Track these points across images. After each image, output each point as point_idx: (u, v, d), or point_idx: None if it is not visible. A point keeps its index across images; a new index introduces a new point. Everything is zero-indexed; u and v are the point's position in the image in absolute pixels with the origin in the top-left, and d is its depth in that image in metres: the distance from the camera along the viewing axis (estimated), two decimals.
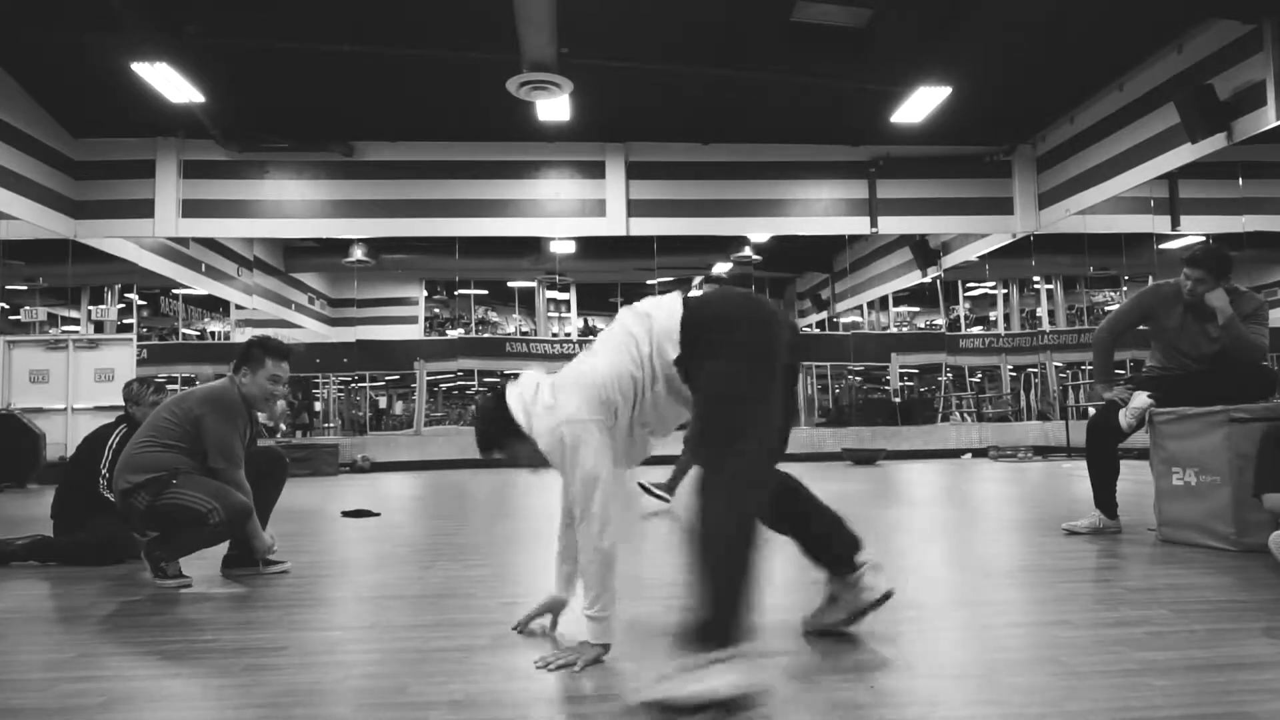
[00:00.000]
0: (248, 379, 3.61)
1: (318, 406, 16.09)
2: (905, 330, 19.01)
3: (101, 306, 15.44)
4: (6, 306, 15.30)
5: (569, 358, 12.68)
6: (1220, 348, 4.07)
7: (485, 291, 19.29)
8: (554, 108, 9.32)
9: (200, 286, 14.50)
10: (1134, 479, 5.26)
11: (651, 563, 3.93)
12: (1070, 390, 15.34)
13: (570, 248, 15.29)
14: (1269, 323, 4.15)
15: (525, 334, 18.84)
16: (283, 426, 11.93)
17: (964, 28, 8.76)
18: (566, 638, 2.47)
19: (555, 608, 2.57)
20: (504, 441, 2.35)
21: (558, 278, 17.82)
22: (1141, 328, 4.41)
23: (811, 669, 2.16)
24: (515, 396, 2.30)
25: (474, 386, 17.96)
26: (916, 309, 19.54)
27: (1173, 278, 4.31)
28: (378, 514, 5.97)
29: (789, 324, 2.29)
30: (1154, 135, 9.49)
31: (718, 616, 1.84)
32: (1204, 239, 13.73)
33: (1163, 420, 4.07)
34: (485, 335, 18.63)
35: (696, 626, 1.86)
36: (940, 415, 15.23)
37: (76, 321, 15.45)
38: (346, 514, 5.95)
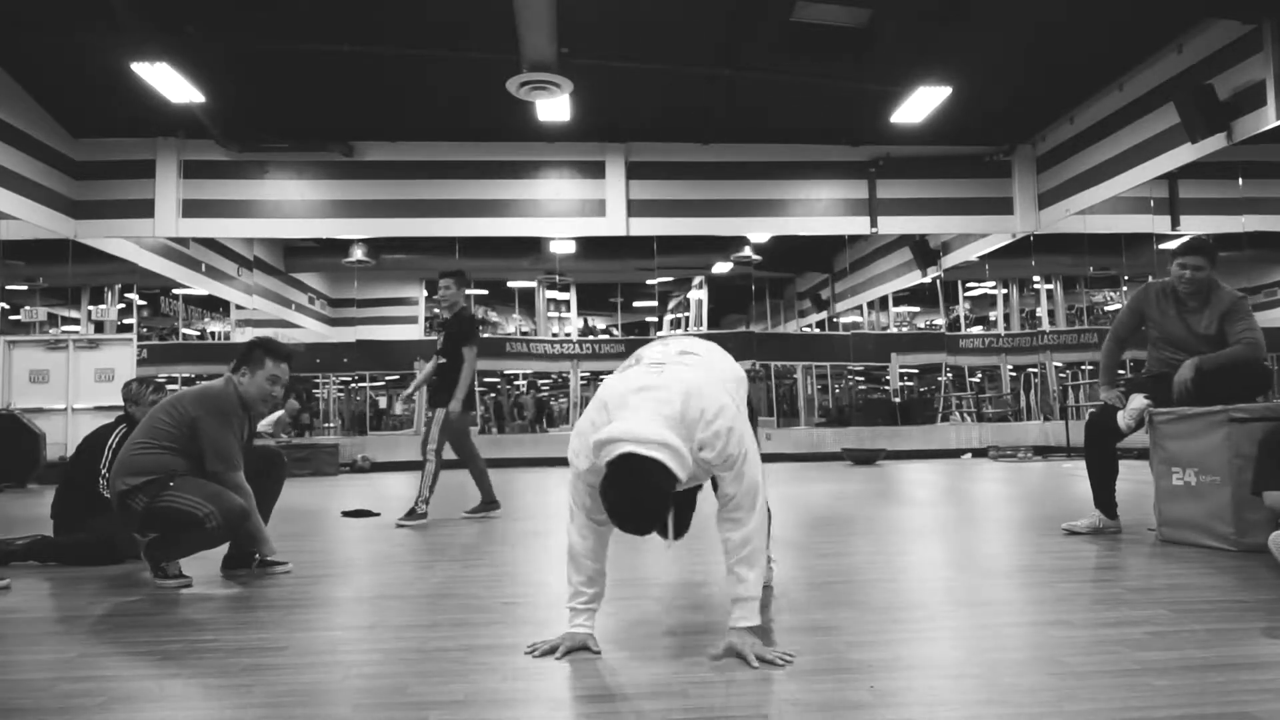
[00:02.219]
0: (246, 379, 3.61)
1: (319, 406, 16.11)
2: (905, 330, 19.01)
3: (101, 306, 15.45)
4: (6, 306, 15.30)
5: (569, 358, 12.59)
6: (1212, 336, 4.08)
7: (485, 291, 19.29)
8: (554, 108, 9.32)
9: (200, 286, 14.50)
10: (1134, 479, 5.26)
11: (652, 563, 3.93)
12: (1070, 390, 15.33)
13: (570, 248, 15.30)
14: (1255, 319, 4.15)
15: (525, 334, 18.84)
16: (285, 437, 11.93)
17: (964, 28, 8.75)
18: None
19: (583, 645, 2.31)
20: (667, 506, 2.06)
21: (558, 278, 17.83)
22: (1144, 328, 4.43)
23: (811, 669, 2.16)
24: (670, 432, 2.06)
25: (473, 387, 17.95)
26: (916, 309, 19.54)
27: (1164, 277, 4.33)
28: (378, 514, 5.97)
29: None
30: (1154, 135, 9.49)
31: None
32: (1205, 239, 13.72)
33: (1163, 420, 4.07)
34: (485, 335, 18.64)
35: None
36: (940, 415, 15.23)
37: (76, 321, 15.45)
38: (346, 514, 5.95)
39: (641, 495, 2.03)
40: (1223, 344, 4.07)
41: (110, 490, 3.55)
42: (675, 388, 2.14)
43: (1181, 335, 4.17)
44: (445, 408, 5.60)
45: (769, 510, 2.47)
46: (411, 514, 5.42)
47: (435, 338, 6.02)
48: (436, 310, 6.11)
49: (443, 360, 5.74)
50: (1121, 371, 4.62)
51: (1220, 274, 4.19)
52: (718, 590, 3.04)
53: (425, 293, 18.68)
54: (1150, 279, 4.55)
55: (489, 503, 5.78)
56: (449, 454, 5.73)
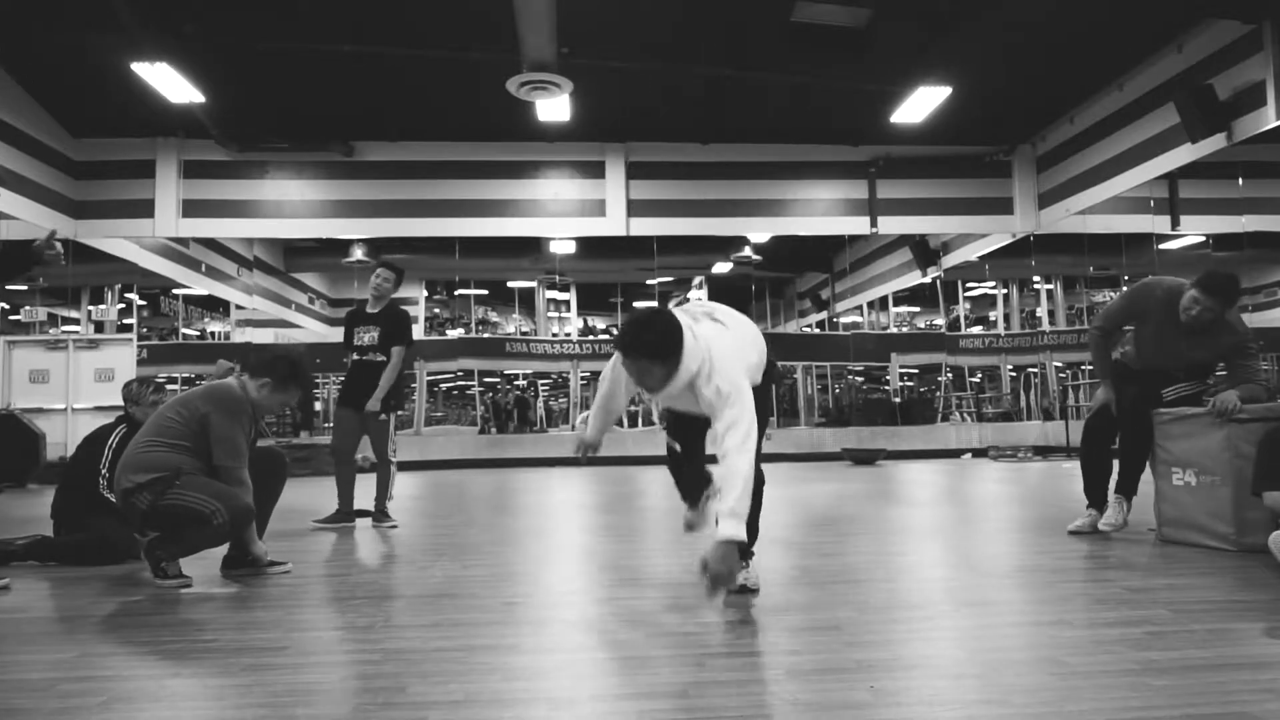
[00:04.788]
0: (265, 391, 3.63)
1: (318, 406, 16.08)
2: (905, 330, 19.01)
3: (101, 306, 15.44)
4: (6, 306, 15.31)
5: (569, 358, 12.56)
6: (1203, 362, 4.06)
7: (485, 291, 19.29)
8: (554, 108, 9.32)
9: (200, 286, 14.50)
10: None
11: (652, 563, 3.93)
12: (1070, 390, 15.33)
13: (570, 248, 15.29)
14: (1259, 354, 4.06)
15: (525, 334, 18.84)
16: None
17: (964, 28, 8.74)
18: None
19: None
20: (671, 360, 2.56)
21: (558, 278, 17.82)
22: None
23: (811, 669, 2.16)
24: (688, 331, 2.62)
25: (474, 386, 17.96)
26: (916, 309, 19.54)
27: (1168, 277, 4.21)
28: None
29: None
30: (1154, 135, 9.49)
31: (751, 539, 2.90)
32: (1204, 239, 13.74)
33: (1163, 420, 4.07)
34: (485, 335, 18.63)
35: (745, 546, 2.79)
36: (940, 415, 15.22)
37: (76, 321, 15.45)
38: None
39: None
40: (1211, 365, 4.07)
41: (114, 488, 3.55)
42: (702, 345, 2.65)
43: (1170, 349, 4.10)
44: (391, 411, 5.46)
45: (761, 476, 2.78)
46: (384, 515, 5.41)
47: (363, 330, 5.45)
48: (366, 301, 5.70)
49: (381, 358, 5.40)
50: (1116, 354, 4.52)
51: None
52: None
53: (425, 293, 18.68)
54: (1150, 277, 4.45)
55: (382, 513, 5.45)
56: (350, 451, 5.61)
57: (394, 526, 5.34)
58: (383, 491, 5.47)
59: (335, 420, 5.54)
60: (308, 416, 14.38)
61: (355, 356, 5.45)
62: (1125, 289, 4.58)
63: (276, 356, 3.75)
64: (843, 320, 19.23)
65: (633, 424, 17.56)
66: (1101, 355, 4.37)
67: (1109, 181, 10.41)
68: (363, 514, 5.74)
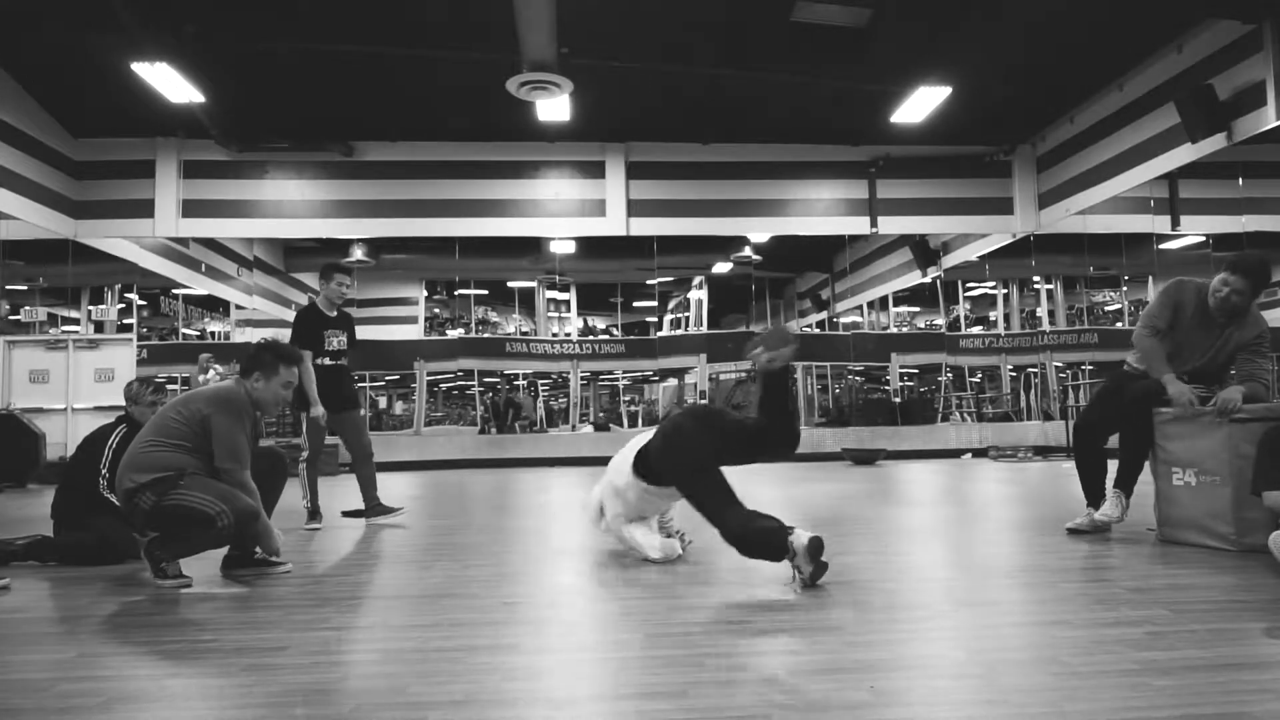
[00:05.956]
0: (260, 384, 3.64)
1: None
2: (905, 330, 19.01)
3: (101, 306, 15.43)
4: (7, 306, 15.29)
5: (569, 358, 12.67)
6: (1219, 358, 4.04)
7: (485, 291, 19.28)
8: (554, 108, 9.32)
9: (200, 286, 14.51)
10: None
11: (652, 564, 3.93)
12: (1070, 390, 15.33)
13: (570, 248, 15.30)
14: (1269, 346, 4.04)
15: (525, 334, 18.84)
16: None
17: (964, 28, 8.75)
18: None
19: None
20: None
21: (558, 278, 17.82)
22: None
23: (812, 669, 2.16)
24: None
25: (474, 386, 17.97)
26: (916, 309, 19.53)
27: (1198, 277, 4.15)
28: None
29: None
30: (1154, 135, 9.49)
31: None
32: (1204, 239, 13.74)
33: (1163, 420, 4.07)
34: (485, 335, 18.62)
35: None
36: (940, 415, 15.22)
37: (76, 321, 15.43)
38: (346, 514, 5.93)
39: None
40: (1225, 366, 4.04)
41: (115, 488, 3.55)
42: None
43: (1190, 341, 4.07)
44: (357, 409, 5.76)
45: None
46: (383, 506, 5.51)
47: (332, 333, 5.78)
48: (316, 302, 6.02)
49: (343, 362, 5.67)
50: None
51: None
52: (718, 592, 3.03)
53: (425, 293, 18.67)
54: (1150, 279, 4.43)
55: (379, 506, 5.55)
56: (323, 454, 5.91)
57: (400, 510, 5.49)
58: (374, 486, 5.55)
59: (312, 424, 5.47)
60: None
61: (328, 361, 5.54)
62: (1159, 290, 4.38)
63: (255, 348, 3.78)
64: (843, 320, 19.24)
65: (632, 424, 17.57)
66: (1158, 353, 4.08)
67: (1109, 181, 10.42)
68: (358, 514, 5.76)
